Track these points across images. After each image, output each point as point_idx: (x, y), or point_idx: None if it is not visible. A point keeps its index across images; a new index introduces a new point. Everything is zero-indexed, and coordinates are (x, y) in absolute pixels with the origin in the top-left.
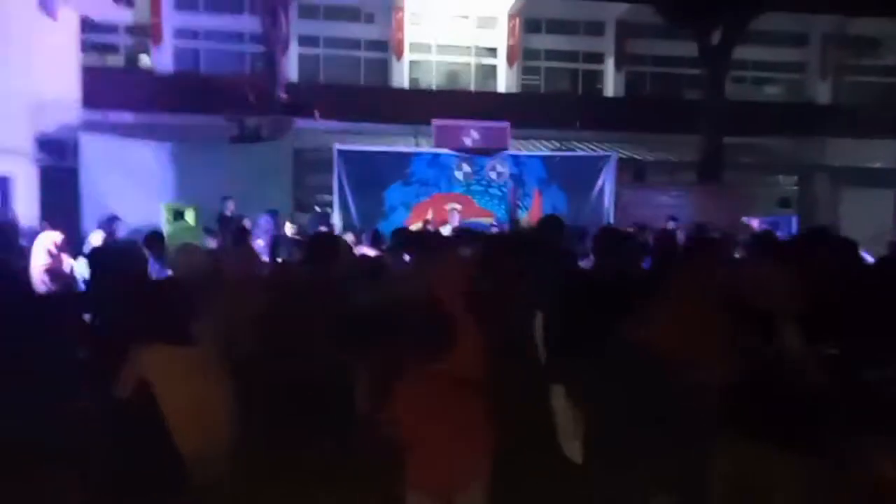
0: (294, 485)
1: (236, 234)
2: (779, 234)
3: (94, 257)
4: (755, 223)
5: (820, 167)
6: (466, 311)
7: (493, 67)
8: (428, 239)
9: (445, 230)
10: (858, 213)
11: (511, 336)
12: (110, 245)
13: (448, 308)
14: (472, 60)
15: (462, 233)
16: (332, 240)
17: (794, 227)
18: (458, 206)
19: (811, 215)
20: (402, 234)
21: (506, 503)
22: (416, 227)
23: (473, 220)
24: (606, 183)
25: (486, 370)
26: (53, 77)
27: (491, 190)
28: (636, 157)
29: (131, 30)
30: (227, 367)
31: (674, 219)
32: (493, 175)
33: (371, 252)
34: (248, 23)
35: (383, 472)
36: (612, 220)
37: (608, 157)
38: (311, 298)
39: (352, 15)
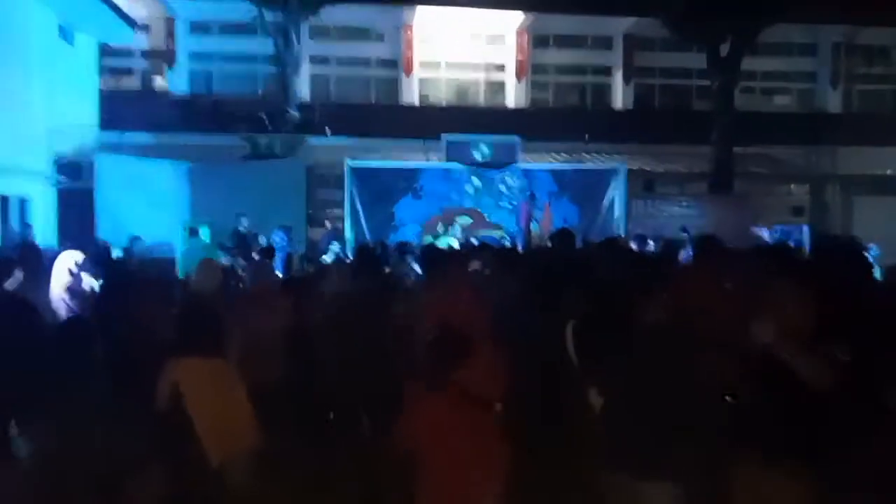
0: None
1: (262, 252)
2: (790, 243)
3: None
4: (766, 233)
5: (831, 176)
6: (482, 329)
7: (502, 83)
8: (443, 256)
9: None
10: (870, 222)
11: (544, 347)
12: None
13: (461, 325)
14: (482, 76)
15: (478, 248)
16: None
17: (806, 236)
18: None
19: (823, 224)
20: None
21: None
22: (426, 240)
23: (484, 233)
24: (617, 195)
25: (502, 388)
26: (71, 101)
27: (501, 203)
28: (646, 168)
29: (147, 53)
30: (254, 379)
31: (685, 230)
32: (503, 189)
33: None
34: (260, 44)
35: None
36: (622, 232)
37: (618, 169)
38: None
39: (362, 34)
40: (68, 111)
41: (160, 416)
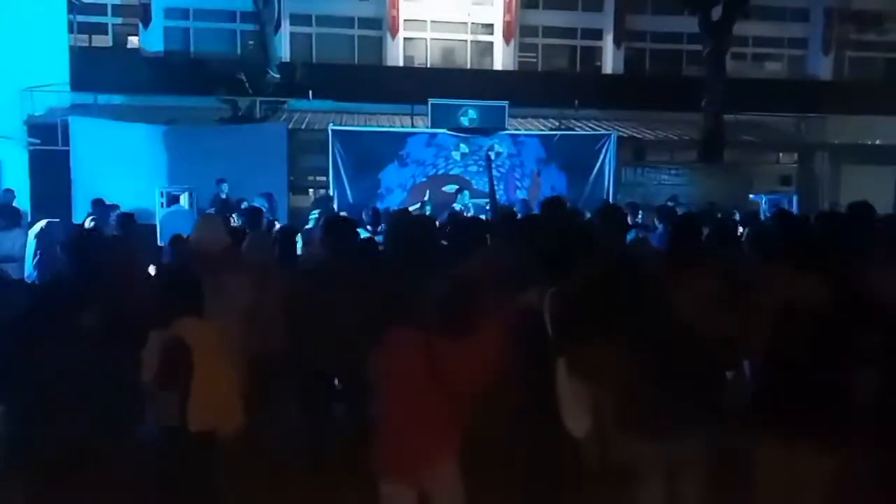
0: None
1: (251, 217)
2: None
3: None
4: (763, 201)
5: (821, 145)
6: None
7: (490, 44)
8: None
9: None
10: (859, 191)
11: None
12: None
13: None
14: (468, 37)
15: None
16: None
17: (794, 205)
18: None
19: (811, 193)
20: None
21: (487, 482)
22: (413, 208)
23: (472, 200)
24: (606, 162)
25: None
26: (41, 60)
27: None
28: (636, 135)
29: (119, 9)
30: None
31: (675, 198)
32: (491, 155)
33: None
34: (239, 1)
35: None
36: (612, 200)
37: (608, 135)
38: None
39: None
40: (37, 71)
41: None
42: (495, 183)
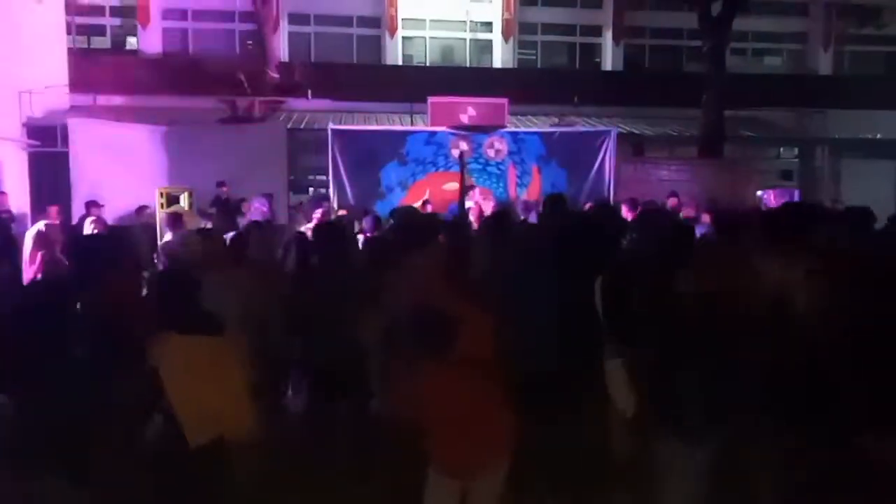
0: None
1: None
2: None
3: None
4: (771, 197)
5: (821, 139)
6: (467, 297)
7: (489, 42)
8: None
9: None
10: (859, 185)
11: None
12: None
13: (445, 299)
14: (467, 35)
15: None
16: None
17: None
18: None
19: (812, 188)
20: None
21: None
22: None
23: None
24: (606, 159)
25: (497, 351)
26: (40, 61)
27: (489, 168)
28: (636, 131)
29: (118, 11)
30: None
31: (674, 194)
32: (490, 153)
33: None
34: (237, 1)
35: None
36: (612, 196)
37: (608, 132)
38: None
39: None
40: (36, 72)
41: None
42: (495, 181)
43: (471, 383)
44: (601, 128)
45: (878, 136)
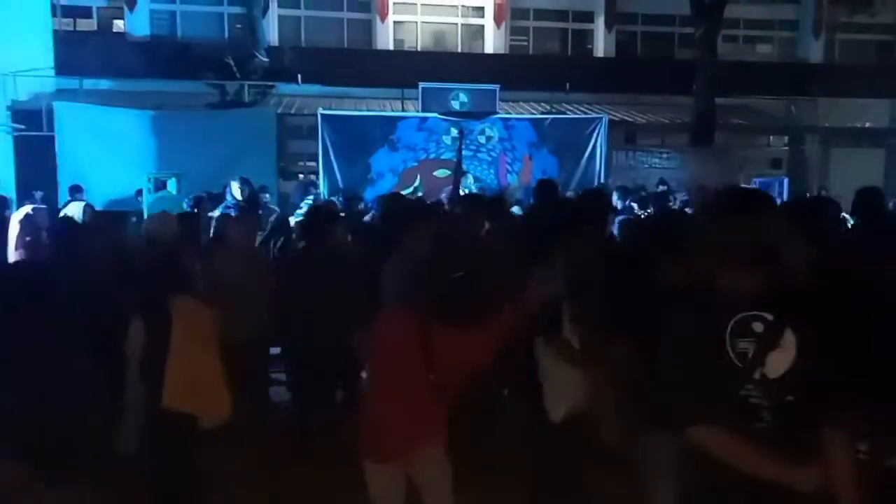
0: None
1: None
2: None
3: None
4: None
5: (811, 128)
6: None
7: (481, 27)
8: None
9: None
10: (848, 174)
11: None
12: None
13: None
14: (459, 20)
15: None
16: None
17: (785, 189)
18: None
19: (801, 176)
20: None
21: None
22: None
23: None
24: (598, 146)
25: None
26: (25, 44)
27: (480, 155)
28: (627, 118)
29: None
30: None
31: (664, 182)
32: (482, 139)
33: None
34: None
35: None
36: (603, 183)
37: (599, 119)
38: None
39: None
40: (21, 55)
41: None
42: (486, 168)
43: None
44: (593, 115)
45: (868, 124)
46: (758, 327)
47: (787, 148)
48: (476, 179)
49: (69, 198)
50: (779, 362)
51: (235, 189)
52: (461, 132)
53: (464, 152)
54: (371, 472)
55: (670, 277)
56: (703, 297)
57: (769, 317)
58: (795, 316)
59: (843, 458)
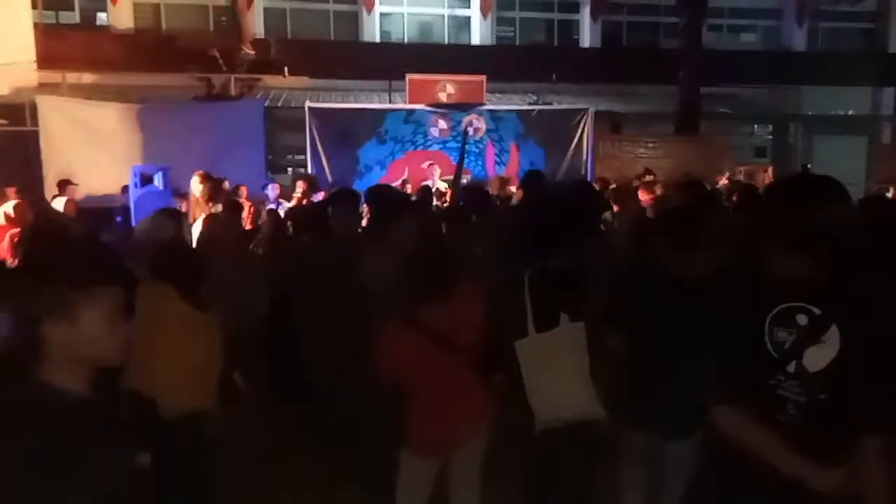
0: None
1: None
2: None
3: None
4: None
5: (795, 116)
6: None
7: (467, 18)
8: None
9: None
10: (831, 161)
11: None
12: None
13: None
14: (445, 11)
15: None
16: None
17: (770, 177)
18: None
19: (786, 164)
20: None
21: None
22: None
23: (448, 177)
24: (584, 136)
25: (481, 329)
26: (5, 37)
27: (467, 146)
28: (614, 109)
29: None
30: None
31: (649, 171)
32: (469, 131)
33: None
34: None
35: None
36: (590, 174)
37: (585, 110)
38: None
39: None
40: (2, 49)
41: None
42: (474, 159)
43: (448, 357)
44: (579, 105)
45: (851, 112)
46: (802, 319)
47: (771, 136)
48: (464, 171)
49: (58, 192)
50: (818, 358)
51: (195, 185)
52: (465, 133)
53: (451, 144)
54: (409, 463)
55: (687, 269)
56: (746, 283)
57: (816, 310)
58: (844, 312)
59: (879, 466)
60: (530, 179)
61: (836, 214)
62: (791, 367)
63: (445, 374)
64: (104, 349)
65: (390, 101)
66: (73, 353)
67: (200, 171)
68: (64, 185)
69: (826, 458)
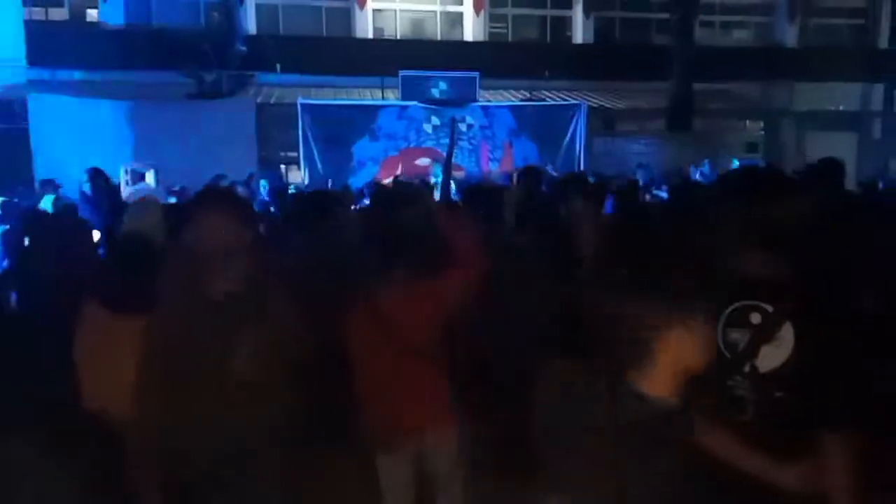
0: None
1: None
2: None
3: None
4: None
5: (786, 112)
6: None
7: (460, 15)
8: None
9: None
10: (822, 156)
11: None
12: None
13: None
14: (438, 8)
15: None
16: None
17: None
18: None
19: (777, 159)
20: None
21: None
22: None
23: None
24: (577, 132)
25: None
26: None
27: (461, 143)
28: (606, 105)
29: None
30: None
31: (641, 166)
32: (462, 127)
33: None
34: None
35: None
36: (583, 169)
37: (578, 106)
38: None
39: None
40: None
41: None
42: (467, 156)
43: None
44: (572, 101)
45: (841, 107)
46: (755, 318)
47: (762, 132)
48: (458, 168)
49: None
50: (772, 356)
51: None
52: (453, 121)
53: (444, 140)
54: (381, 463)
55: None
56: (693, 283)
57: (768, 308)
58: (797, 309)
59: (839, 463)
60: (528, 176)
61: (788, 208)
62: (747, 368)
63: (389, 363)
64: None
65: (383, 98)
66: None
67: None
68: (45, 185)
69: (787, 457)
